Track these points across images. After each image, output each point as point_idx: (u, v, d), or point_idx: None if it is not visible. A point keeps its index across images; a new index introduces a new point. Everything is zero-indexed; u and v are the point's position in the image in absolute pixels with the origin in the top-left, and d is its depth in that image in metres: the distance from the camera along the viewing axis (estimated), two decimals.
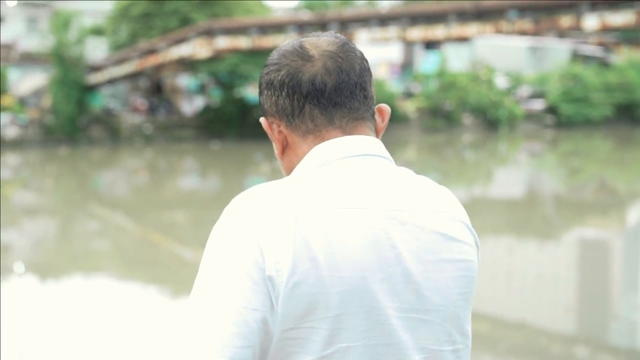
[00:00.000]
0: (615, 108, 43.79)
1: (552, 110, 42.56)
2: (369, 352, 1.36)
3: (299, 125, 1.50)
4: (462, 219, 1.51)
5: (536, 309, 9.51)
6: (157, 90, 37.78)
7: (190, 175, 25.76)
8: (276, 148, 1.55)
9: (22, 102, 32.23)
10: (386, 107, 1.58)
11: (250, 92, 35.18)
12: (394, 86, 41.38)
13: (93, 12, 40.43)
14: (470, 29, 25.78)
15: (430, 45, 42.88)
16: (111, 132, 31.81)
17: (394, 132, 35.64)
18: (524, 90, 44.32)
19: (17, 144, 29.37)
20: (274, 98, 1.51)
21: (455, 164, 28.29)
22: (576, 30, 31.11)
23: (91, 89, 32.28)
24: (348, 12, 34.90)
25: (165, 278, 10.71)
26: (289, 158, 1.54)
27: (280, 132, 1.52)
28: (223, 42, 28.71)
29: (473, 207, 17.60)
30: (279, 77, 1.50)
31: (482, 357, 7.52)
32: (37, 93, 33.35)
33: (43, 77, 33.30)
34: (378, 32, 27.09)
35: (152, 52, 30.25)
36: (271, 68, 1.52)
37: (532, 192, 21.37)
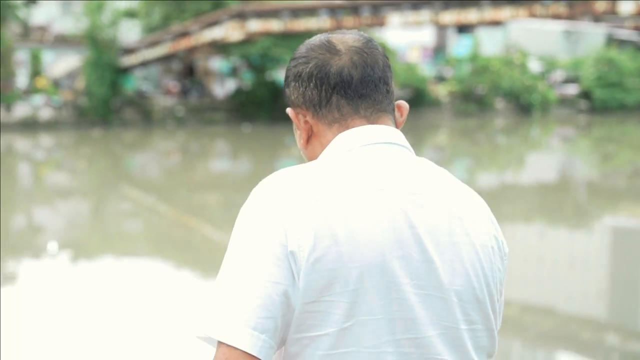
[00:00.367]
0: None
1: (586, 95, 42.11)
2: (386, 326, 1.41)
3: (326, 115, 1.57)
4: (482, 207, 1.57)
5: (567, 295, 9.47)
6: (189, 73, 37.90)
7: (221, 157, 25.88)
8: (301, 137, 1.61)
9: (56, 84, 32.52)
10: (404, 104, 1.65)
11: (282, 76, 35.12)
12: (426, 70, 41.14)
13: None
14: (504, 12, 25.59)
15: (463, 29, 42.57)
16: (144, 114, 31.99)
17: (426, 116, 35.49)
18: (558, 75, 43.88)
19: (51, 126, 29.66)
20: (301, 89, 1.58)
21: (487, 148, 28.14)
22: (611, 14, 30.72)
23: (124, 71, 32.47)
24: None
25: (196, 260, 10.79)
26: (313, 147, 1.60)
27: (306, 122, 1.59)
28: (255, 25, 28.70)
29: (505, 193, 17.51)
30: (308, 69, 1.57)
31: (512, 342, 7.52)
32: (71, 75, 33.62)
33: (77, 59, 33.53)
34: (410, 16, 26.95)
35: (184, 34, 30.33)
36: (299, 61, 1.59)
37: (564, 178, 21.21)
